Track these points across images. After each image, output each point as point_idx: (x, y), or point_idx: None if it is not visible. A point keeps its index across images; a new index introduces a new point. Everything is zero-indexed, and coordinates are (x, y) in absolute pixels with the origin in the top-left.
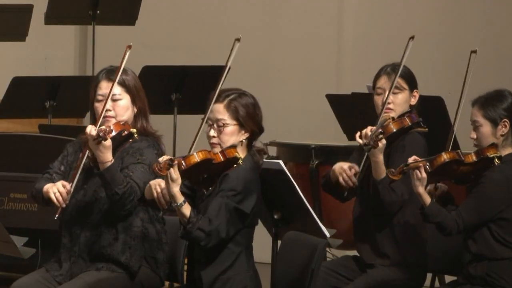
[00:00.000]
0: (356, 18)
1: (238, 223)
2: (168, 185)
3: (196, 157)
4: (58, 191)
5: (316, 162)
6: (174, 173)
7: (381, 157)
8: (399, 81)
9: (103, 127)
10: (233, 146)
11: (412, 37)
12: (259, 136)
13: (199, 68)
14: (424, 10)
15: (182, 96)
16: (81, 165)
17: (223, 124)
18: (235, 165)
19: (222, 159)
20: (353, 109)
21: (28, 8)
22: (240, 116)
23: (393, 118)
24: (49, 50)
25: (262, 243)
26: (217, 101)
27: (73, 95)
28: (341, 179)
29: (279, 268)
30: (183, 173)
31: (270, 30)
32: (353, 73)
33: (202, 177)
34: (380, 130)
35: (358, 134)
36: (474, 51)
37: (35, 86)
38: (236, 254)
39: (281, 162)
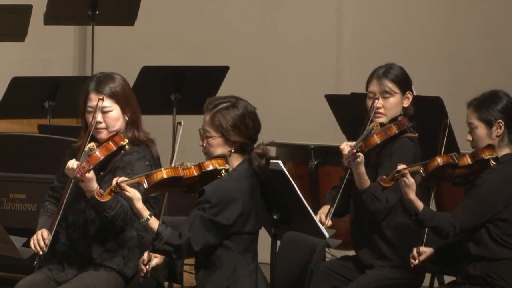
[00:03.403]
0: (355, 18)
1: (218, 234)
2: (129, 203)
3: (158, 176)
4: (37, 239)
5: (315, 162)
6: (128, 191)
7: (362, 169)
8: (390, 85)
9: (83, 163)
10: (220, 157)
11: (445, 123)
12: (252, 145)
13: (198, 69)
14: (423, 10)
15: (182, 96)
16: (63, 204)
17: (209, 136)
18: (219, 176)
19: (196, 173)
20: (352, 110)
21: (27, 9)
22: (224, 130)
23: (382, 124)
24: (48, 50)
25: (262, 244)
26: (206, 110)
27: (72, 95)
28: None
29: (278, 269)
30: (147, 191)
31: (270, 30)
32: (352, 73)
33: (182, 190)
34: (357, 147)
35: (341, 146)
36: (446, 123)
37: (34, 87)
38: (233, 263)
39: (280, 162)
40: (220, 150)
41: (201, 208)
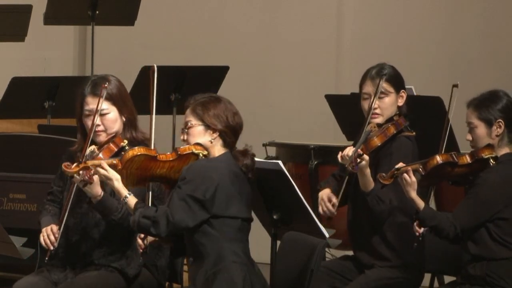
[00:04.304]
0: (355, 18)
1: (196, 209)
2: (108, 184)
3: (129, 153)
4: (47, 234)
5: (315, 162)
6: (106, 171)
7: (367, 171)
8: (384, 85)
9: (88, 166)
10: (198, 144)
11: (455, 85)
12: (233, 137)
13: (198, 69)
14: (423, 10)
15: (182, 96)
16: (69, 204)
17: (189, 125)
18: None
19: (172, 157)
20: (352, 110)
21: (27, 9)
22: (204, 117)
23: (379, 125)
24: (48, 50)
25: (262, 244)
26: (187, 106)
27: (72, 95)
28: (320, 209)
29: (278, 269)
30: (122, 171)
31: (270, 30)
32: (352, 73)
33: (162, 178)
34: (358, 153)
35: (339, 155)
36: (456, 85)
37: (34, 87)
38: (219, 251)
39: (280, 162)
40: (200, 139)
41: (177, 186)
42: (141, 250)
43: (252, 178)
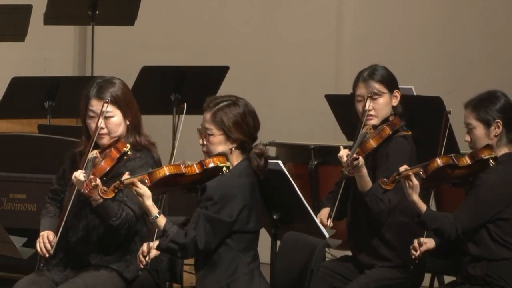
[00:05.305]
0: (355, 18)
1: (221, 231)
2: (139, 200)
3: (160, 173)
4: (43, 242)
5: (315, 162)
6: (140, 188)
7: (364, 171)
8: (377, 86)
9: (90, 177)
10: (221, 154)
11: (448, 112)
12: (252, 143)
13: (198, 69)
14: (423, 10)
15: (182, 96)
16: (69, 206)
17: (209, 133)
18: (220, 173)
19: (198, 170)
20: (352, 110)
21: (27, 9)
22: (225, 127)
23: (374, 127)
24: (48, 50)
25: (262, 244)
26: (206, 109)
27: (72, 95)
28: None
29: (278, 269)
30: (151, 188)
31: (270, 30)
32: (352, 73)
33: (183, 189)
34: (354, 156)
35: (339, 154)
36: (449, 112)
37: (34, 87)
38: (234, 262)
39: (280, 162)
40: (221, 147)
41: (203, 207)
42: (141, 266)
43: (260, 178)
